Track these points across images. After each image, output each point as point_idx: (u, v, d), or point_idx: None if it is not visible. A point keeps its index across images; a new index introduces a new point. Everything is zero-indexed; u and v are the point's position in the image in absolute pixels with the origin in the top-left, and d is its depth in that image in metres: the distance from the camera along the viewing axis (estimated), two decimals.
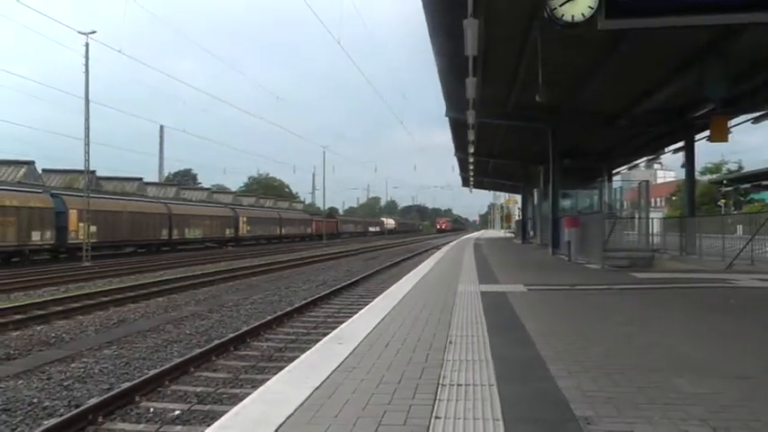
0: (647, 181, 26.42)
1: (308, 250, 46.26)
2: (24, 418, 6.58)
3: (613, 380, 4.49)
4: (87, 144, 31.40)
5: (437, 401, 4.03)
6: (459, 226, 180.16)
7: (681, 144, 24.27)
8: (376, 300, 9.84)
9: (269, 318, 12.33)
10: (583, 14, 7.88)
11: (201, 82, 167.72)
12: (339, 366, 5.02)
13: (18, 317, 13.02)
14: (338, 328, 7.07)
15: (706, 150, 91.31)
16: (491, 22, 13.24)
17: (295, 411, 3.87)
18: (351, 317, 8.37)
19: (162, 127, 76.93)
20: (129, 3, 61.30)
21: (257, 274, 24.13)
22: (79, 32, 29.79)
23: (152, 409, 6.77)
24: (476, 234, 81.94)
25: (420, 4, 12.68)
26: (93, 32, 29.79)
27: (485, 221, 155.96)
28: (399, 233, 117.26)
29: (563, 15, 7.97)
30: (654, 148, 29.28)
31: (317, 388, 4.38)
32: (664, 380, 4.47)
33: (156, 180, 69.31)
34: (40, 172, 45.88)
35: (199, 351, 9.22)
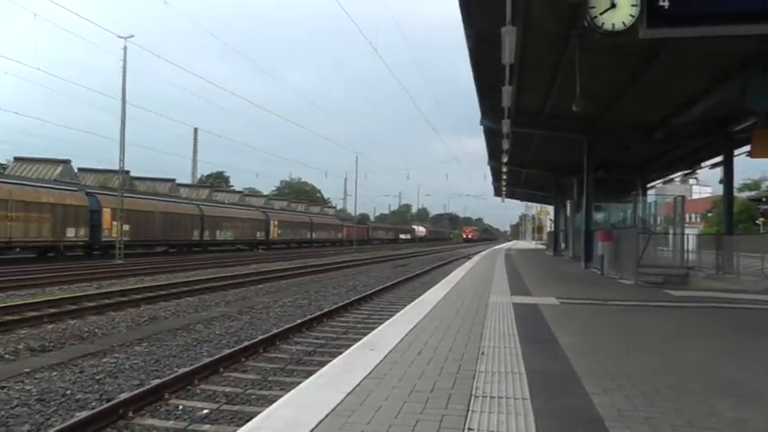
0: (683, 196, 25.96)
1: (338, 255, 46.32)
2: (58, 408, 6.66)
3: (649, 399, 4.39)
4: (123, 144, 32.00)
5: (470, 413, 3.98)
6: (488, 236, 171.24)
7: (719, 158, 23.76)
8: (407, 307, 9.79)
9: (298, 321, 12.32)
10: (624, 23, 7.74)
11: (237, 86, 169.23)
12: (371, 373, 4.99)
13: (52, 310, 13.24)
14: (370, 335, 7.04)
15: (745, 166, 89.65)
16: (529, 30, 13.15)
17: (327, 416, 3.86)
18: (381, 323, 8.35)
19: (196, 129, 77.77)
20: (167, 8, 62.24)
21: (287, 277, 24.20)
22: (118, 36, 30.38)
23: (181, 407, 6.80)
24: (507, 245, 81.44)
25: (458, 11, 12.65)
26: (132, 36, 30.41)
27: (516, 232, 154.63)
28: (430, 241, 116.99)
29: (603, 24, 7.83)
30: (690, 163, 28.74)
31: (348, 393, 4.35)
32: (702, 402, 4.35)
33: (189, 182, 70.09)
34: (76, 171, 46.71)
35: (228, 351, 9.24)
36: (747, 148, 19.05)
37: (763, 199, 56.40)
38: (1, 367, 8.59)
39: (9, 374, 8.02)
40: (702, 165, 28.28)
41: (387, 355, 5.69)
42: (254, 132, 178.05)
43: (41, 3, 28.92)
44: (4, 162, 44.11)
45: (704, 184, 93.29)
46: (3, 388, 7.37)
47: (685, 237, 21.67)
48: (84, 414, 6.20)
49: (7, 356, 9.24)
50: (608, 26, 7.82)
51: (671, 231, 23.73)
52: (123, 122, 31.43)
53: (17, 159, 43.75)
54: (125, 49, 30.34)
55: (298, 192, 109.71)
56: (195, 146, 78.14)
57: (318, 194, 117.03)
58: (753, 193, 66.29)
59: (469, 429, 3.66)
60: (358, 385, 4.59)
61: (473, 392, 4.46)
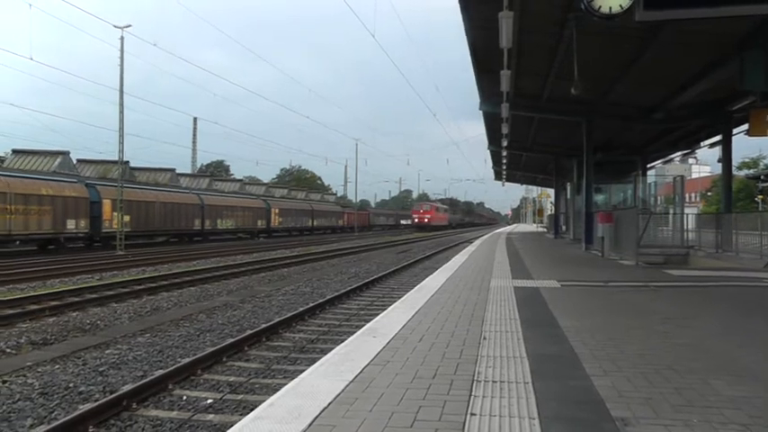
0: (683, 176, 26.00)
1: (339, 242, 46.39)
2: (61, 401, 6.71)
3: (649, 380, 4.42)
4: (122, 135, 31.88)
5: (472, 398, 4.01)
6: (474, 219, 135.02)
7: (718, 138, 23.73)
8: (409, 293, 9.81)
9: (301, 309, 12.38)
10: (621, 6, 7.69)
11: (234, 74, 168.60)
12: (373, 360, 5.02)
13: (54, 303, 13.29)
14: (371, 322, 7.06)
15: (743, 145, 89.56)
16: (526, 15, 13.12)
17: (330, 404, 3.88)
18: (383, 310, 8.37)
19: (195, 119, 77.66)
20: None
21: (289, 265, 24.28)
22: (114, 26, 30.22)
23: (185, 397, 6.85)
24: (508, 228, 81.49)
25: None
26: (129, 26, 30.19)
27: (517, 215, 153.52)
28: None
29: (600, 7, 7.78)
30: (689, 143, 28.68)
31: (351, 381, 4.38)
32: (701, 381, 4.38)
33: (189, 171, 70.05)
34: (75, 162, 46.65)
35: (231, 341, 9.30)
36: (746, 126, 19.03)
37: (762, 177, 56.32)
38: (3, 361, 8.65)
39: (11, 368, 8.08)
40: (701, 144, 28.24)
41: (389, 342, 5.72)
42: (253, 120, 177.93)
43: None
44: (1, 154, 44.10)
45: (703, 163, 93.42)
46: (5, 382, 7.43)
47: (685, 216, 21.73)
48: (87, 406, 6.25)
49: (9, 350, 9.29)
50: (605, 9, 7.77)
51: (671, 211, 23.80)
52: (121, 113, 31.37)
53: (15, 152, 43.68)
54: (122, 39, 30.21)
55: (298, 179, 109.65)
56: (195, 135, 78.13)
57: (319, 181, 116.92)
58: (751, 171, 66.21)
59: (472, 414, 3.68)
60: (360, 372, 4.62)
61: (475, 377, 4.49)
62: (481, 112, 24.13)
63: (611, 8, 7.73)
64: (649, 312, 7.85)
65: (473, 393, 4.10)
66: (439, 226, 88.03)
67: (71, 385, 7.28)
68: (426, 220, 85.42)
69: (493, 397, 4.02)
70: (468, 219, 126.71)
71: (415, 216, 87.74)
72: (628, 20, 7.87)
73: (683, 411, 3.73)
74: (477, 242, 33.07)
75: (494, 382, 4.38)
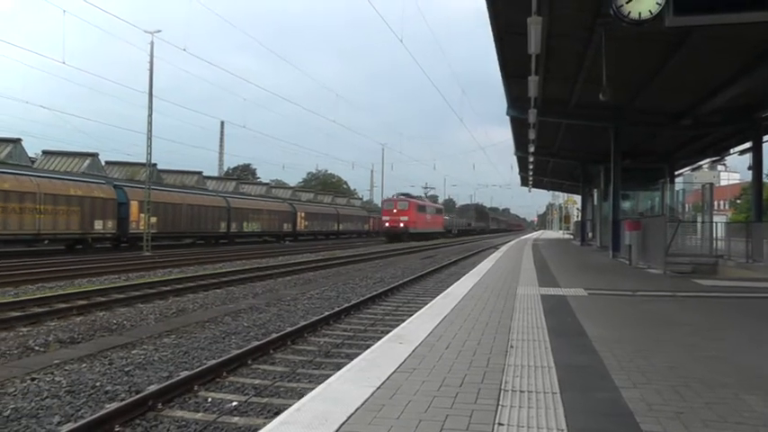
0: (711, 183, 25.62)
1: (365, 247, 46.38)
2: (87, 400, 6.77)
3: (680, 393, 4.33)
4: (150, 138, 32.27)
5: (499, 407, 3.97)
6: (488, 224, 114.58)
7: (747, 145, 23.39)
8: (435, 300, 9.77)
9: (326, 313, 12.38)
10: (650, 11, 7.63)
11: (262, 79, 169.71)
12: (400, 367, 5.01)
13: (81, 302, 13.48)
14: (398, 328, 7.04)
15: None
16: (555, 20, 13.05)
17: (356, 410, 3.87)
18: (409, 316, 8.35)
19: (223, 123, 78.35)
20: (195, 5, 62.65)
21: (314, 269, 24.32)
22: (145, 31, 30.65)
23: (210, 399, 6.87)
24: (534, 234, 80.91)
25: (484, 0, 12.56)
26: (158, 31, 30.60)
27: (543, 222, 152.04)
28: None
29: (629, 13, 7.73)
30: (718, 149, 28.35)
31: (378, 388, 4.37)
32: (734, 396, 4.28)
33: (216, 174, 70.65)
34: (104, 164, 47.29)
35: (257, 343, 9.32)
36: None
37: None
38: (31, 359, 8.77)
39: (39, 366, 8.18)
40: (731, 151, 27.86)
41: (415, 349, 5.70)
42: (281, 124, 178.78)
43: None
44: (32, 156, 44.82)
45: (732, 170, 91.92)
46: (33, 379, 7.52)
47: (714, 224, 21.40)
48: (113, 406, 6.30)
49: (37, 348, 9.42)
50: (634, 15, 7.71)
51: (699, 219, 23.46)
52: (150, 116, 31.77)
53: (45, 153, 44.45)
54: (152, 44, 30.62)
55: (324, 183, 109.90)
56: (222, 138, 78.84)
57: (345, 186, 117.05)
58: None
59: (499, 424, 3.65)
60: (387, 379, 4.61)
61: (502, 386, 4.45)
62: (508, 117, 24.05)
63: (640, 14, 7.67)
64: (678, 323, 7.73)
65: (500, 403, 4.07)
66: (426, 233, 64.03)
67: (98, 384, 7.34)
68: (402, 224, 58.66)
69: (521, 407, 3.99)
70: (479, 224, 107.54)
71: (385, 217, 60.68)
72: (657, 25, 7.80)
73: (715, 427, 3.64)
74: (503, 248, 32.94)
75: (521, 391, 4.34)
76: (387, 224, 59.69)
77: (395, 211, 59.74)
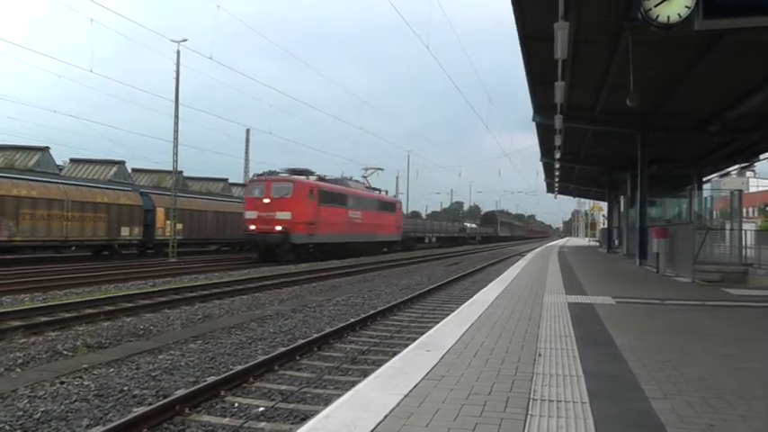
0: (740, 190, 25.19)
1: (389, 253, 46.31)
2: (116, 404, 6.83)
3: (712, 405, 4.26)
4: (176, 146, 32.56)
5: (528, 417, 3.95)
6: (495, 230, 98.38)
7: None
8: (461, 307, 9.74)
9: (352, 320, 12.37)
10: (679, 15, 7.54)
11: (284, 85, 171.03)
12: (428, 374, 4.99)
13: (108, 308, 13.60)
14: (425, 335, 7.03)
15: None
16: (581, 25, 12.97)
17: (385, 418, 3.87)
18: (435, 323, 8.34)
19: (248, 130, 78.70)
20: (219, 12, 63.25)
21: (340, 275, 24.36)
22: (171, 40, 30.95)
23: (237, 404, 6.88)
24: (560, 242, 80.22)
25: (510, 6, 12.54)
26: (185, 41, 30.83)
27: (568, 228, 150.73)
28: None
29: (658, 16, 7.65)
30: (747, 156, 27.96)
31: (406, 395, 4.36)
32: None
33: (242, 181, 71.12)
34: (130, 171, 47.92)
35: (283, 350, 9.34)
36: None
37: None
38: (60, 363, 8.87)
39: (68, 370, 8.27)
40: (760, 157, 27.46)
41: (443, 357, 5.68)
42: (305, 131, 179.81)
43: (97, 9, 29.61)
44: (60, 163, 45.55)
45: (762, 176, 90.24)
46: (63, 383, 7.60)
47: (743, 232, 21.05)
48: (141, 410, 6.35)
49: (66, 352, 9.52)
50: (662, 18, 7.63)
51: (728, 227, 23.08)
52: (176, 123, 32.03)
53: (73, 161, 45.16)
54: (178, 53, 30.90)
55: None
56: (247, 146, 79.17)
57: None
58: None
59: None
60: (415, 387, 4.59)
61: (531, 395, 4.42)
62: (534, 123, 23.94)
63: (669, 18, 7.58)
64: (709, 333, 7.61)
65: (530, 412, 4.04)
66: (348, 244, 37.83)
67: (125, 388, 7.41)
68: (279, 227, 31.06)
69: (550, 416, 3.95)
70: (477, 231, 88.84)
71: (249, 214, 32.86)
72: (686, 29, 7.71)
73: None
74: (529, 255, 32.77)
75: (550, 401, 4.30)
76: (250, 226, 31.92)
77: (266, 201, 31.71)
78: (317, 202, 33.42)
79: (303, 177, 34.14)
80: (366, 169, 46.96)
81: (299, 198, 32.00)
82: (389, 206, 47.33)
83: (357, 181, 44.01)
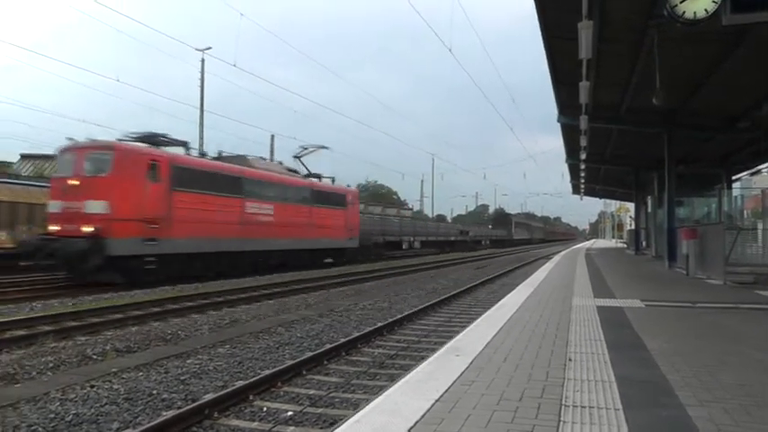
0: None
1: (415, 257, 46.21)
2: (145, 407, 6.89)
3: (751, 414, 4.14)
4: (201, 153, 32.84)
5: (561, 423, 3.90)
6: (499, 233, 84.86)
7: None
8: (489, 311, 9.68)
9: (380, 324, 12.30)
10: (706, 10, 7.45)
11: (306, 90, 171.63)
12: (458, 379, 4.97)
13: (136, 313, 13.73)
14: (453, 340, 7.00)
15: None
16: (606, 24, 12.87)
17: (416, 424, 3.86)
18: (462, 327, 8.29)
19: (273, 136, 79.02)
20: (242, 19, 63.71)
21: (366, 280, 24.36)
22: (196, 49, 31.23)
23: (265, 409, 6.89)
24: (586, 244, 79.44)
25: (533, 7, 12.47)
26: (209, 48, 30.95)
27: (595, 230, 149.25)
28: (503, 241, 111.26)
29: (684, 12, 7.57)
30: None
31: (437, 400, 4.34)
32: None
33: None
34: None
35: (310, 354, 9.33)
36: None
37: None
38: (90, 367, 8.98)
39: (98, 374, 8.35)
40: None
41: (473, 361, 5.65)
42: (330, 136, 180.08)
43: (124, 20, 30.11)
44: None
45: None
46: (92, 387, 7.69)
47: None
48: (170, 413, 6.39)
49: (95, 357, 9.63)
50: (689, 14, 7.55)
51: (760, 226, 22.70)
52: (202, 130, 32.30)
53: None
54: (203, 61, 31.20)
55: (374, 194, 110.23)
56: (272, 152, 79.53)
57: (395, 196, 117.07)
58: None
59: None
60: (446, 392, 4.57)
61: (563, 401, 4.37)
62: (559, 124, 23.78)
63: (695, 13, 7.50)
64: (744, 337, 7.44)
65: (562, 419, 3.99)
66: (241, 254, 25.20)
67: (154, 392, 7.47)
68: (88, 227, 18.21)
69: (583, 423, 3.90)
70: (497, 232, 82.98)
71: (52, 205, 19.65)
72: (712, 24, 7.62)
73: None
74: (556, 258, 32.56)
75: (582, 407, 4.25)
76: (53, 224, 19.51)
77: (73, 183, 19.11)
78: (168, 186, 20.70)
79: (140, 145, 20.88)
80: (304, 148, 34.20)
81: (124, 176, 19.26)
82: (335, 199, 33.56)
83: (280, 163, 32.51)
